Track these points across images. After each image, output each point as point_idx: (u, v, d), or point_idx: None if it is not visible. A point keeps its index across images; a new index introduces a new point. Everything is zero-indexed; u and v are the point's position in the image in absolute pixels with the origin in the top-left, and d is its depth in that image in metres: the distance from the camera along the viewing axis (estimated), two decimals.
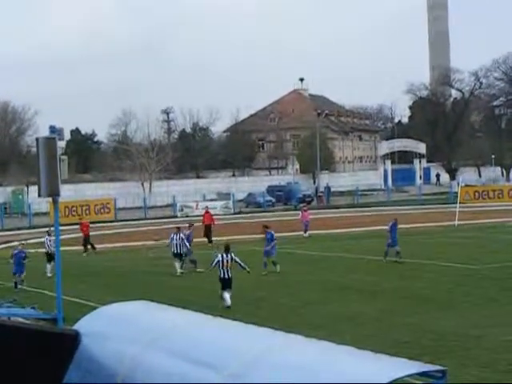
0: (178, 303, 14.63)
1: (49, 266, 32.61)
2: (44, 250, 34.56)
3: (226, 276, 24.40)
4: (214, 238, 45.06)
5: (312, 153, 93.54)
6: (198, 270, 31.82)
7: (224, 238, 46.83)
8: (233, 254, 24.89)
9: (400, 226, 48.12)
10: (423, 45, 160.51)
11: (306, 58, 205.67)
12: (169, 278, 31.44)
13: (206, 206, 54.66)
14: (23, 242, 35.19)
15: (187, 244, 33.24)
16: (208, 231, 45.92)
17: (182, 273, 32.28)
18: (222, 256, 24.63)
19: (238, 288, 25.47)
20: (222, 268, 24.45)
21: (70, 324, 12.00)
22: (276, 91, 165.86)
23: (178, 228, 34.17)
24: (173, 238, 33.02)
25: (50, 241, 33.55)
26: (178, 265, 32.35)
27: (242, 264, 25.20)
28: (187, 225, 36.76)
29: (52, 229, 30.18)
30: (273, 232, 33.70)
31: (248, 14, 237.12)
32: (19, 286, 29.35)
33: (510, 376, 15.78)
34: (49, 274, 31.87)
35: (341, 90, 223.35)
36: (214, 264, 24.76)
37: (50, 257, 32.67)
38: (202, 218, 48.71)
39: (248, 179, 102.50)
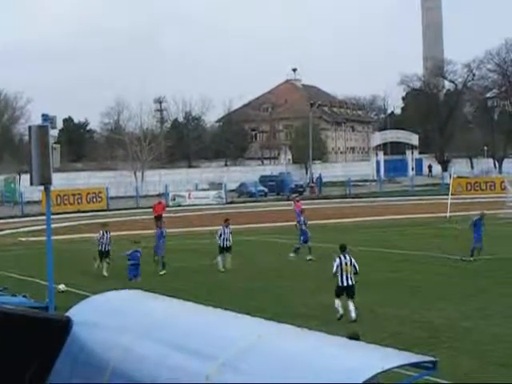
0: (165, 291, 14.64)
1: (105, 265, 30.42)
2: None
3: (350, 282, 20.58)
4: (203, 228, 44.99)
5: (304, 143, 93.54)
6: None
7: (215, 228, 47.05)
8: (352, 258, 21.05)
9: (392, 216, 48.21)
10: (416, 36, 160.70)
11: (298, 49, 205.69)
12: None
13: (159, 196, 54.25)
14: (138, 241, 30.15)
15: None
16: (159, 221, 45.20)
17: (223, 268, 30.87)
18: (340, 258, 20.76)
19: (231, 279, 25.50)
20: (342, 273, 20.60)
21: (61, 313, 11.97)
22: (269, 81, 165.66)
23: (227, 220, 31.87)
24: (223, 233, 30.94)
25: (106, 238, 30.80)
26: (221, 260, 30.87)
27: (357, 267, 21.02)
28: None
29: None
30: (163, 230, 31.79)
31: (241, 5, 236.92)
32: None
33: (502, 368, 15.84)
34: (105, 274, 29.86)
35: (334, 81, 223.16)
36: (334, 270, 20.68)
37: (103, 254, 30.66)
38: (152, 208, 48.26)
39: (240, 169, 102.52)
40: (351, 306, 20.20)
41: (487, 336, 18.38)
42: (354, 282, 20.51)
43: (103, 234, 30.89)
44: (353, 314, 20.07)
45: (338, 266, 20.53)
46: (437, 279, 26.72)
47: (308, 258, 32.42)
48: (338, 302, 20.46)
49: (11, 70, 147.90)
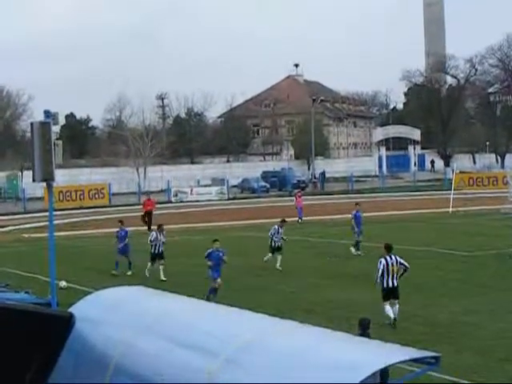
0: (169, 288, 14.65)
1: (161, 268, 28.16)
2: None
3: (395, 283, 19.80)
4: (205, 224, 45.00)
5: (307, 139, 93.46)
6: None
7: (218, 224, 47.09)
8: (397, 256, 20.26)
9: (394, 212, 48.17)
10: (418, 31, 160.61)
11: (300, 44, 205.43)
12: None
13: (147, 194, 53.97)
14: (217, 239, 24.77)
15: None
16: (149, 217, 45.08)
17: None
18: (386, 259, 19.91)
19: (233, 274, 25.48)
20: (388, 274, 19.74)
21: (63, 309, 11.98)
22: (271, 77, 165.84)
23: (284, 221, 31.37)
24: (277, 232, 30.11)
25: (160, 239, 28.59)
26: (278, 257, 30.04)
27: (406, 264, 20.25)
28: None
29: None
30: (126, 230, 30.80)
31: (244, 1, 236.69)
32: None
33: (505, 363, 15.84)
34: (163, 278, 27.66)
35: (336, 76, 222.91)
36: (380, 273, 19.82)
37: (156, 256, 28.41)
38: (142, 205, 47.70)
39: (242, 165, 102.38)
40: (395, 308, 19.69)
41: (490, 331, 18.38)
42: (397, 283, 19.76)
43: (157, 235, 28.66)
44: (395, 315, 19.55)
45: (383, 267, 19.66)
46: (439, 275, 26.71)
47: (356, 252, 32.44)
48: (388, 308, 19.64)
49: (13, 67, 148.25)
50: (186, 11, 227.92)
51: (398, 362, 8.07)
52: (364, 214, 35.26)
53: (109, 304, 10.58)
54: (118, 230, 30.91)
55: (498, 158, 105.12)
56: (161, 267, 28.12)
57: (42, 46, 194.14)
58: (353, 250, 32.65)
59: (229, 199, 71.50)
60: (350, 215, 34.75)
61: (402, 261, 19.90)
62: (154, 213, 46.11)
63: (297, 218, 47.65)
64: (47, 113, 17.10)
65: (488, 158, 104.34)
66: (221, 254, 23.59)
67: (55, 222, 20.14)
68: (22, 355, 10.01)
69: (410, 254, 32.06)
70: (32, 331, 10.08)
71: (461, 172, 72.41)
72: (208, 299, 21.29)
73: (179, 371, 8.57)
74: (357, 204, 35.40)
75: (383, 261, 19.73)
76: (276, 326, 9.28)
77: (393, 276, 19.63)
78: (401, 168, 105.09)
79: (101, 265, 31.23)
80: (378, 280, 19.81)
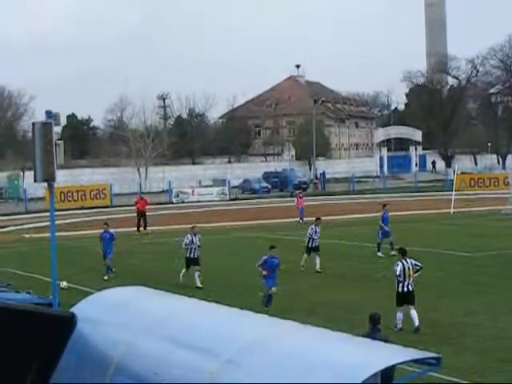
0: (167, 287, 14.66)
1: (196, 275, 26.02)
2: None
3: (410, 288, 19.13)
4: (212, 224, 44.97)
5: (308, 139, 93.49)
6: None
7: (219, 224, 47.09)
8: (412, 259, 19.79)
9: (395, 213, 48.20)
10: (420, 32, 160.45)
11: (302, 45, 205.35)
12: (167, 262, 31.40)
13: (140, 193, 53.66)
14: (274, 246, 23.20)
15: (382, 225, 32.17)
16: (143, 218, 45.17)
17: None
18: (403, 263, 19.26)
19: (233, 274, 25.47)
20: (404, 279, 19.11)
21: (65, 309, 11.99)
22: (272, 78, 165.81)
23: (319, 219, 30.25)
24: (314, 233, 29.29)
25: (195, 243, 26.50)
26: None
27: (419, 264, 19.75)
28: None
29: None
30: (112, 232, 29.85)
31: (245, 1, 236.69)
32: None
33: (506, 363, 15.85)
34: (199, 285, 25.49)
35: (337, 77, 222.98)
36: (398, 274, 19.14)
37: (191, 261, 26.32)
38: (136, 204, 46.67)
39: (244, 165, 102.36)
40: (413, 314, 18.84)
41: (491, 332, 18.39)
42: (413, 287, 19.14)
43: (192, 237, 26.40)
44: (416, 322, 18.74)
45: (401, 271, 19.04)
46: (440, 275, 26.70)
47: (391, 253, 31.02)
48: (399, 315, 18.98)
49: (14, 67, 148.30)
50: (187, 11, 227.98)
51: (400, 363, 8.08)
52: (364, 215, 35.30)
53: (110, 304, 10.59)
54: (102, 231, 29.78)
55: (500, 158, 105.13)
56: (196, 273, 25.90)
57: (42, 45, 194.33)
58: (392, 252, 30.90)
59: (230, 200, 71.51)
60: (378, 215, 34.09)
61: (415, 262, 19.55)
62: (154, 213, 46.15)
63: (298, 219, 47.72)
64: (49, 113, 17.11)
65: (489, 159, 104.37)
66: (276, 262, 22.22)
67: (56, 222, 20.14)
68: (23, 355, 10.01)
69: (411, 254, 31.88)
70: (33, 331, 10.08)
71: (462, 173, 72.43)
72: (266, 306, 20.75)
73: (180, 371, 8.58)
74: (385, 205, 34.45)
75: (400, 264, 19.19)
76: (277, 327, 9.29)
77: (409, 280, 19.08)
78: (402, 169, 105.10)
79: (102, 265, 31.21)
80: (398, 280, 19.14)
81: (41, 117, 18.00)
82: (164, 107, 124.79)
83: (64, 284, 25.19)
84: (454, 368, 14.55)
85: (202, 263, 26.20)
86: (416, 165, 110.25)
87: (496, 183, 72.09)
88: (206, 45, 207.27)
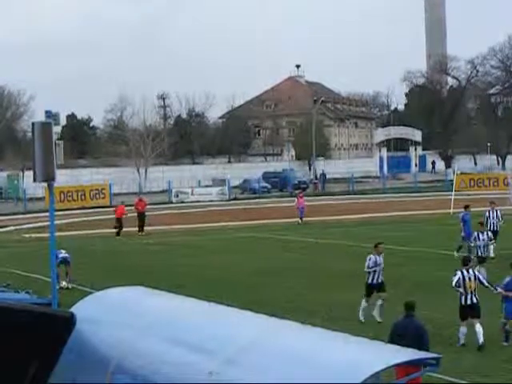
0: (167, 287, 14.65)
1: (364, 302, 20.64)
2: None
3: (475, 300, 17.53)
4: (206, 225, 44.92)
5: (308, 139, 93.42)
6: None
7: (219, 224, 47.07)
8: (475, 270, 18.52)
9: (395, 213, 48.15)
10: (420, 32, 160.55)
11: (302, 45, 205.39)
12: (167, 261, 31.39)
13: (139, 194, 53.64)
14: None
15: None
16: (142, 219, 45.05)
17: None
18: (463, 273, 17.64)
19: (233, 274, 25.43)
20: (465, 289, 17.50)
21: (64, 309, 11.98)
22: (272, 78, 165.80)
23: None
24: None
25: (379, 265, 20.68)
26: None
27: (486, 283, 18.17)
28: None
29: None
30: None
31: (245, 1, 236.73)
32: None
33: (506, 363, 15.84)
34: (378, 319, 19.99)
35: (337, 77, 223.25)
36: (455, 283, 17.60)
37: (373, 288, 20.73)
38: (134, 205, 46.66)
39: (243, 165, 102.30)
40: (478, 328, 17.27)
41: (491, 332, 18.35)
42: (478, 299, 17.56)
43: (375, 258, 20.63)
44: (480, 338, 17.18)
45: (458, 282, 17.52)
46: (440, 275, 26.63)
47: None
48: (463, 329, 17.57)
49: (14, 67, 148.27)
50: (187, 11, 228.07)
51: (400, 363, 8.07)
52: (364, 215, 35.27)
53: (109, 304, 10.59)
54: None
55: (499, 159, 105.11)
56: (379, 302, 20.46)
57: (42, 45, 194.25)
58: (456, 253, 30.24)
59: (230, 200, 71.47)
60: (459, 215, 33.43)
61: (481, 277, 18.12)
62: (154, 213, 46.14)
63: (297, 219, 47.70)
64: (48, 113, 17.12)
65: (489, 160, 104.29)
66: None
67: (56, 222, 20.11)
68: (22, 355, 10.01)
69: (411, 254, 32.14)
70: (33, 331, 10.07)
71: (462, 173, 72.35)
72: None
73: (180, 371, 8.58)
74: (466, 206, 33.53)
75: (459, 273, 17.66)
76: (277, 327, 9.27)
77: (471, 291, 17.48)
78: (402, 169, 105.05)
79: (101, 265, 31.22)
80: (455, 287, 17.69)
81: (40, 116, 18.04)
82: (164, 107, 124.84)
83: (64, 284, 25.18)
84: (453, 368, 14.55)
85: (201, 263, 26.25)
86: (416, 165, 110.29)
87: (495, 183, 71.98)
88: (206, 45, 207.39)
